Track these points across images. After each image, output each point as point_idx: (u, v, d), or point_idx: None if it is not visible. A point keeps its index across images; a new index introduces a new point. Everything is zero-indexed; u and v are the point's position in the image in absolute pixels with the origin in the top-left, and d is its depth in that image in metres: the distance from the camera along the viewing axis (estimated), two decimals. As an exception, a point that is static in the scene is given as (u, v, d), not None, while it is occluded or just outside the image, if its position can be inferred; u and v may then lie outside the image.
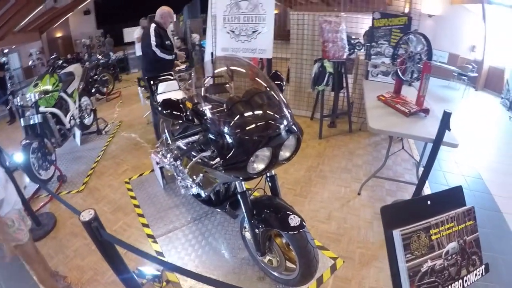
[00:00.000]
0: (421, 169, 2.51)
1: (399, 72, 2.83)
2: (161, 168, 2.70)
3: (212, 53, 4.92)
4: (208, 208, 2.47)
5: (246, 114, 1.43)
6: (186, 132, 2.01)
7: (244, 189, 1.62)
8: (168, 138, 2.42)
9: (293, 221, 1.50)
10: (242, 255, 2.05)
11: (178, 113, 1.50)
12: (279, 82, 1.69)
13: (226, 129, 1.41)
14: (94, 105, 4.34)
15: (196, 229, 2.30)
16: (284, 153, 1.50)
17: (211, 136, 1.49)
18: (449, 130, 1.90)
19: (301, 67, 4.61)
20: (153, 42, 3.39)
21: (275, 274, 1.82)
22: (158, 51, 3.38)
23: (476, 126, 4.66)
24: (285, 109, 1.47)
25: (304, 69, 4.60)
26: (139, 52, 5.51)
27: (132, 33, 6.82)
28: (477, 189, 2.97)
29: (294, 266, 1.67)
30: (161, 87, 2.65)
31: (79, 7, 9.40)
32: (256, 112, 1.44)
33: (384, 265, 2.03)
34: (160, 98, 2.59)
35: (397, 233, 0.79)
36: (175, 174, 2.28)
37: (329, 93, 4.44)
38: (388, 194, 2.72)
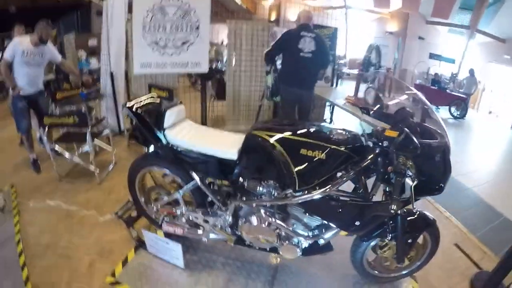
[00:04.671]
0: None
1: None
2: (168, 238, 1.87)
3: (111, 73, 3.85)
4: (270, 265, 2.02)
5: None
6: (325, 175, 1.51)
7: None
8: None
9: (428, 214, 1.68)
10: (351, 284, 1.97)
11: None
12: None
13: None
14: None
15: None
16: None
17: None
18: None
19: (239, 79, 4.32)
20: None
21: (403, 272, 1.90)
22: None
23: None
24: None
25: (242, 81, 4.34)
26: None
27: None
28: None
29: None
30: (170, 116, 1.76)
31: None
32: None
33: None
34: (174, 136, 1.75)
35: None
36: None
37: (268, 103, 4.43)
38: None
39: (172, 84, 4.17)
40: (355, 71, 7.12)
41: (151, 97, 1.97)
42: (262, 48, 4.14)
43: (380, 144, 1.42)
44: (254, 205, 1.64)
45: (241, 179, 1.66)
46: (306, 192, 1.48)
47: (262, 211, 1.65)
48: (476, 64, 8.04)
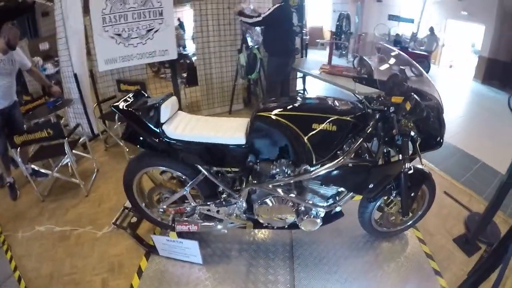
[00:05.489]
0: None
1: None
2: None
3: (75, 75, 3.53)
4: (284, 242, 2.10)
5: None
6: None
7: None
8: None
9: (424, 168, 1.79)
10: (362, 244, 2.10)
11: None
12: None
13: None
14: None
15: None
16: None
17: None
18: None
19: (209, 62, 4.17)
20: None
21: (408, 224, 2.07)
22: None
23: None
24: None
25: (213, 63, 4.19)
26: None
27: None
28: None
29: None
30: (166, 110, 1.65)
31: None
32: None
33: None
34: (173, 130, 1.65)
35: None
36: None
37: (243, 82, 4.36)
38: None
39: (141, 76, 3.93)
40: (324, 41, 6.99)
41: (137, 92, 1.83)
42: (229, 26, 4.00)
43: (386, 110, 1.47)
44: (270, 186, 1.63)
45: (251, 163, 1.64)
46: (322, 165, 1.53)
47: (279, 190, 1.64)
48: (434, 22, 8.36)
